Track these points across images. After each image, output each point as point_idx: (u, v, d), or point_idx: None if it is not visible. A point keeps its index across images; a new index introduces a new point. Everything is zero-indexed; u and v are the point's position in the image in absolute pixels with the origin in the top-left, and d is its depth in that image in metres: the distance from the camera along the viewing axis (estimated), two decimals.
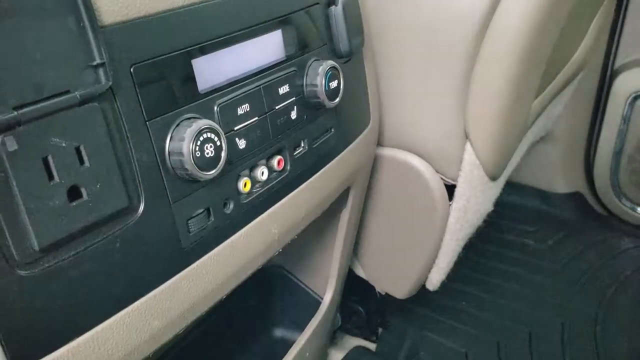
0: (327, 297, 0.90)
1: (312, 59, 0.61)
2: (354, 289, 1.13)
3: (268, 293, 0.95)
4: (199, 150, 0.45)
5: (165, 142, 0.45)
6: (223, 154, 0.48)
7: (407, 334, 1.26)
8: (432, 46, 0.77)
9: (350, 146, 0.72)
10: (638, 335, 1.24)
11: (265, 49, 0.55)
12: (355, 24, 0.66)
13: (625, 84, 1.48)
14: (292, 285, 0.94)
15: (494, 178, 0.89)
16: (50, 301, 0.38)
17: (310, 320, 0.89)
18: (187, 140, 0.45)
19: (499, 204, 1.41)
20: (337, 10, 0.63)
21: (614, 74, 1.52)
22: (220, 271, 0.53)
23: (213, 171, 0.47)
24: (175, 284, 0.48)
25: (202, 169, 0.46)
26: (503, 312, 1.33)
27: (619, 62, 1.52)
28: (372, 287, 1.08)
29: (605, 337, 1.26)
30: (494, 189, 0.98)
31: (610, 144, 1.58)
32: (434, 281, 0.98)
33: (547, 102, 1.11)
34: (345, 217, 0.83)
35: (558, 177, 1.72)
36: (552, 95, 1.13)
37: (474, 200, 0.89)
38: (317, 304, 0.92)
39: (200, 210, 0.49)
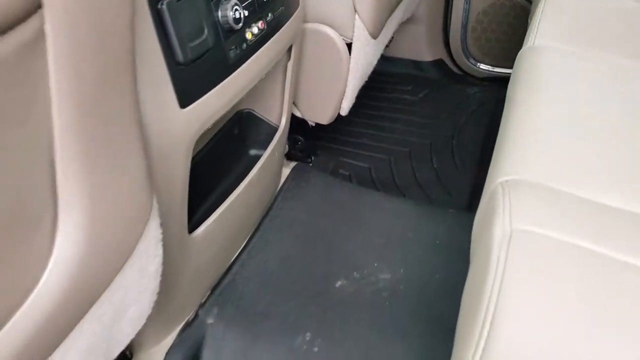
0: (282, 123, 1.38)
1: None
2: (296, 126, 1.57)
3: (245, 127, 1.42)
4: (233, 13, 0.95)
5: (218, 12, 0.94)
6: (242, 17, 0.97)
7: (330, 159, 1.82)
8: None
9: (292, 18, 1.22)
10: (484, 152, 1.85)
11: None
12: None
13: None
14: (258, 120, 1.39)
15: (374, 36, 1.41)
16: None
17: (271, 141, 1.40)
18: (228, 10, 0.94)
19: (384, 73, 1.94)
20: None
21: None
22: (250, 76, 1.03)
23: (240, 24, 0.96)
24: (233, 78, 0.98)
25: (236, 22, 0.95)
26: (392, 140, 1.85)
27: None
28: (307, 124, 1.59)
29: (458, 147, 1.84)
30: (377, 46, 1.50)
31: (459, 19, 2.01)
32: (345, 107, 1.46)
33: None
34: (291, 66, 1.33)
35: (425, 49, 2.16)
36: None
37: (364, 52, 1.40)
38: (275, 129, 1.41)
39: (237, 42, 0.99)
